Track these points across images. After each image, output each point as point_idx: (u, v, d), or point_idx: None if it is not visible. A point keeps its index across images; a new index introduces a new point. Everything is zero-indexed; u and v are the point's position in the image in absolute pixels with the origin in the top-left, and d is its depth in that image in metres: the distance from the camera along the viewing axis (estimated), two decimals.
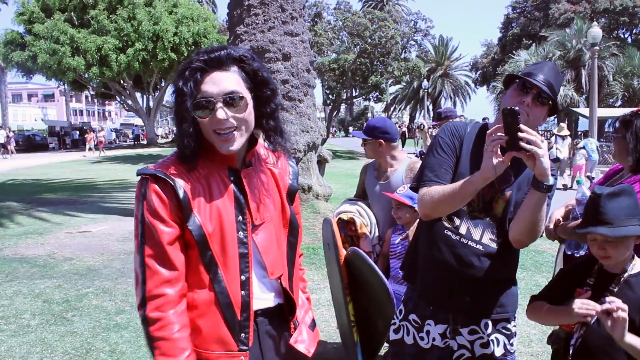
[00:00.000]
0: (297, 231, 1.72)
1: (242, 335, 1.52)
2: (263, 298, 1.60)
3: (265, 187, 1.63)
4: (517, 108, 1.63)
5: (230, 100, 1.44)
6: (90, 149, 30.30)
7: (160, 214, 1.44)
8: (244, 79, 1.48)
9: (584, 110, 24.79)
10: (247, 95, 1.48)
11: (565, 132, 14.98)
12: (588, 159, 14.12)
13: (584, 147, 14.25)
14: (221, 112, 1.43)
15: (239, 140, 1.48)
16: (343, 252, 3.02)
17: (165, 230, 1.44)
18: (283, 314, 1.67)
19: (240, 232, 1.52)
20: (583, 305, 1.71)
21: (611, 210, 1.77)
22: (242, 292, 1.52)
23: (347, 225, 3.28)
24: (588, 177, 14.04)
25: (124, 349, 3.81)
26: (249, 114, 1.49)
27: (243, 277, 1.52)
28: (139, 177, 1.48)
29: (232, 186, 1.53)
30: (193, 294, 1.50)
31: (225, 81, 1.45)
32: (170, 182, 1.44)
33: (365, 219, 3.27)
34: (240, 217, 1.52)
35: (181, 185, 1.45)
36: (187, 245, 1.49)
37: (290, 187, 1.72)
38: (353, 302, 3.06)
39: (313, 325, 1.77)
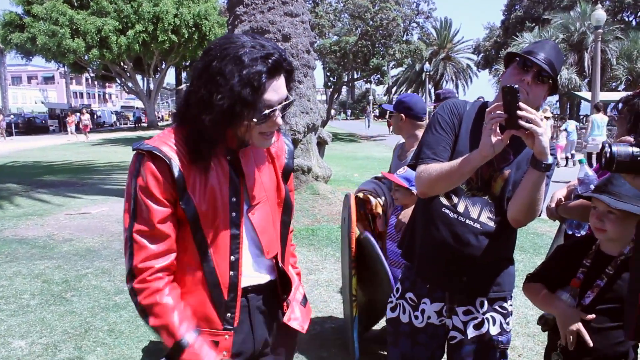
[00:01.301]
0: (291, 210, 1.72)
1: (228, 315, 1.52)
2: (256, 276, 1.60)
3: (262, 166, 1.61)
4: (516, 86, 1.60)
5: (284, 107, 1.45)
6: (71, 132, 29.22)
7: (154, 192, 1.40)
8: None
9: (586, 94, 24.62)
10: None
11: (548, 114, 16.18)
12: (567, 138, 15.77)
13: (565, 130, 15.89)
14: (280, 120, 1.45)
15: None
16: (355, 228, 3.08)
17: (158, 209, 1.41)
18: (275, 291, 1.67)
19: (234, 213, 1.50)
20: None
21: (623, 185, 1.75)
22: (231, 272, 1.51)
23: (365, 204, 3.32)
24: (567, 157, 15.44)
25: (122, 328, 3.83)
26: None
27: (233, 258, 1.51)
28: (134, 152, 1.44)
29: (228, 166, 1.50)
30: (182, 271, 1.49)
31: (282, 87, 1.43)
32: (166, 160, 1.41)
33: (382, 199, 3.29)
34: (234, 198, 1.50)
35: (177, 164, 1.42)
36: (179, 223, 1.47)
37: (286, 166, 1.70)
38: (357, 277, 3.11)
39: (304, 301, 1.77)
